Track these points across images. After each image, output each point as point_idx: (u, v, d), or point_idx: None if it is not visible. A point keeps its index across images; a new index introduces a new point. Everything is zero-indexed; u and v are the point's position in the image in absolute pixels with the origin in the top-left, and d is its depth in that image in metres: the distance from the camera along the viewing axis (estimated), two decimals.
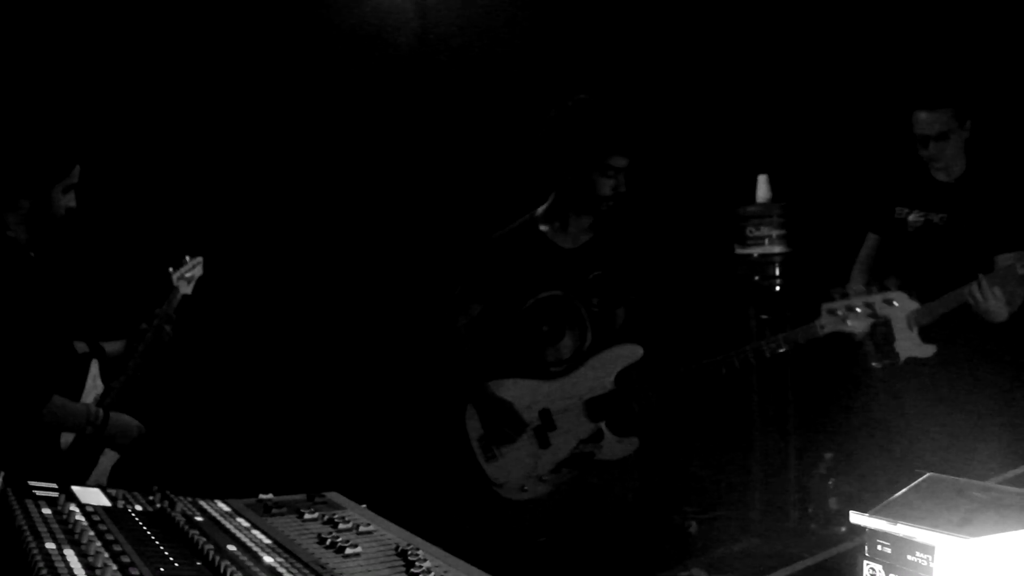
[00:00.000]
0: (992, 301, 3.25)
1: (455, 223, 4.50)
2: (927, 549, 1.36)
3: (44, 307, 2.77)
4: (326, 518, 1.79)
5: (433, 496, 3.90)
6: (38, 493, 1.69)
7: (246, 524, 1.73)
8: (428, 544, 1.66)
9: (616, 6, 4.92)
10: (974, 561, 1.32)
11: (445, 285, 3.45)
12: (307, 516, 1.80)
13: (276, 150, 4.54)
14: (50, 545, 1.42)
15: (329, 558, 1.57)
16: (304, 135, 4.61)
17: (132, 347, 3.16)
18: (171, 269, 3.34)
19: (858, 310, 3.01)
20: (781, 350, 3.12)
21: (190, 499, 1.85)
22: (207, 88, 4.37)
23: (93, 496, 1.76)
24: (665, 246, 3.94)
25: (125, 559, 1.41)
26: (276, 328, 4.55)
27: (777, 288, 4.89)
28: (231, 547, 1.56)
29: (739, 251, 4.94)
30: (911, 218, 3.69)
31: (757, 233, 4.87)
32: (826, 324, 3.04)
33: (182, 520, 1.66)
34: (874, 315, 3.01)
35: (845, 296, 3.03)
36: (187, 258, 3.39)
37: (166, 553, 1.49)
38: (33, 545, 1.40)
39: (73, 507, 1.64)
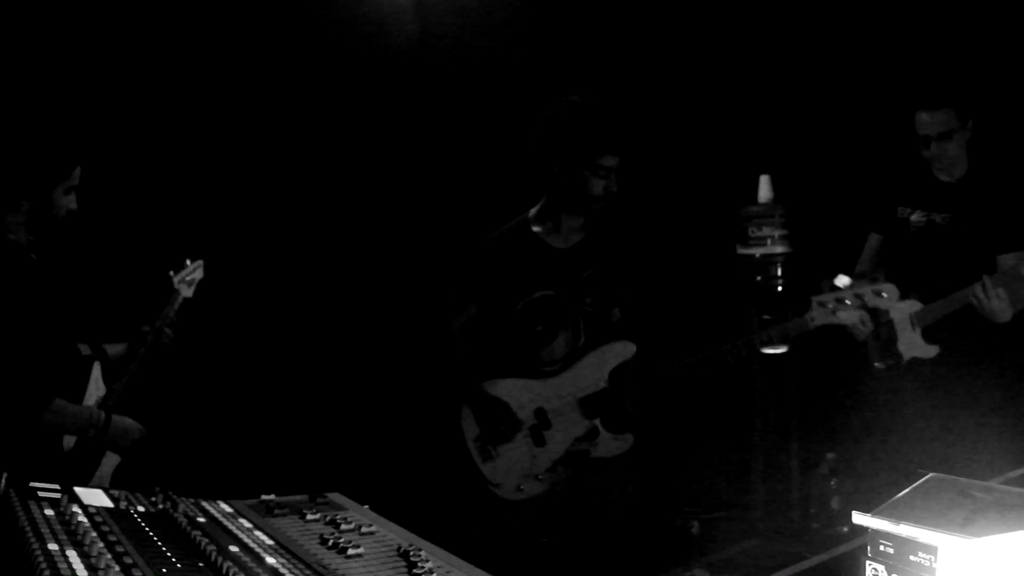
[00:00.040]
0: (996, 302, 3.26)
1: (450, 225, 4.50)
2: (930, 549, 1.36)
3: (46, 309, 2.77)
4: (328, 519, 1.79)
5: (435, 497, 3.90)
6: (41, 494, 1.69)
7: (248, 525, 1.73)
8: (430, 545, 1.66)
9: (618, 5, 4.93)
10: (977, 561, 1.32)
11: (440, 286, 3.46)
12: (309, 517, 1.80)
13: (275, 151, 4.54)
14: (53, 546, 1.42)
15: (331, 559, 1.57)
16: (303, 135, 4.61)
17: (134, 350, 3.17)
18: (172, 272, 3.35)
19: (847, 302, 3.01)
20: (773, 343, 3.12)
21: (192, 500, 1.86)
22: (207, 89, 4.37)
23: (95, 497, 1.76)
24: (662, 245, 3.94)
25: (127, 560, 1.42)
26: (276, 330, 4.55)
27: (779, 288, 4.89)
28: (233, 548, 1.56)
29: (741, 251, 4.94)
30: (913, 218, 3.69)
31: (759, 233, 4.87)
32: (816, 316, 3.04)
33: (184, 521, 1.66)
34: (864, 306, 3.02)
35: (835, 288, 3.03)
36: (188, 261, 3.40)
37: (168, 554, 1.50)
38: (36, 546, 1.41)
39: (75, 508, 1.65)
